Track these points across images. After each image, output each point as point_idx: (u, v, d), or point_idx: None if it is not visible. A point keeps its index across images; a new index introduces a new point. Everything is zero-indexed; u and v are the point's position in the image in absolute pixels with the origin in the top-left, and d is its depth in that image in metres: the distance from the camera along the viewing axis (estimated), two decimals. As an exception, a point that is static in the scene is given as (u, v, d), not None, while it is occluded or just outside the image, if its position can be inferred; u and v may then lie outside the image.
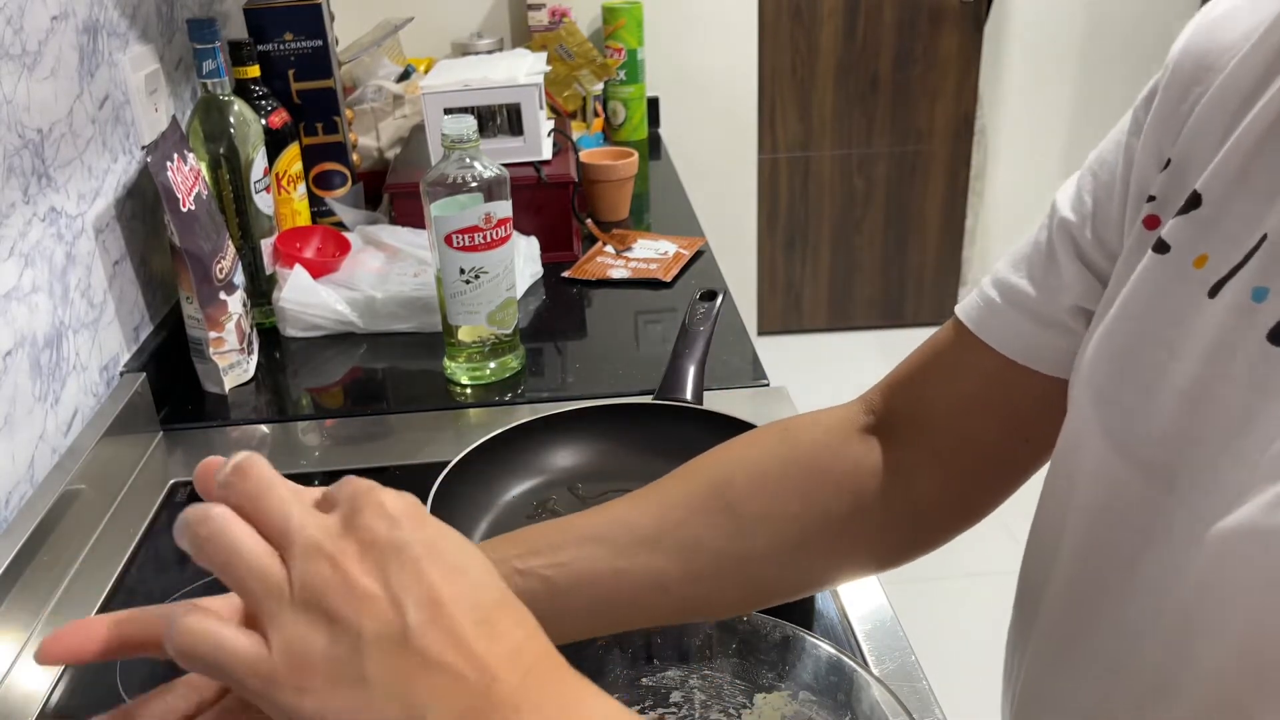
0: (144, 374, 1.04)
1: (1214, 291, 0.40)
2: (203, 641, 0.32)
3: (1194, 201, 0.42)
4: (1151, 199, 0.45)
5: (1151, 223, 0.44)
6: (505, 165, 1.06)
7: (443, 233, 1.01)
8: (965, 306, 0.54)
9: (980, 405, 0.53)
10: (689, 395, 0.96)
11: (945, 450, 0.55)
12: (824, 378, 3.11)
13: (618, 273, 1.35)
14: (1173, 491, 0.41)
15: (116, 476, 0.96)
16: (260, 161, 1.17)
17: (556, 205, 1.38)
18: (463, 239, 1.01)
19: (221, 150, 1.14)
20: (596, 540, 0.53)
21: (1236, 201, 0.40)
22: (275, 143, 1.26)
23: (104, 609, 0.81)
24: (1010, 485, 0.56)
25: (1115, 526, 0.44)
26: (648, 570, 0.53)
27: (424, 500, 0.78)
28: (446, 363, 1.11)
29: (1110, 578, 0.45)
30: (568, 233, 1.39)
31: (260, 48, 1.32)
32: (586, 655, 0.58)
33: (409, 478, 0.94)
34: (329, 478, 0.97)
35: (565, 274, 1.35)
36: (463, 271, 1.03)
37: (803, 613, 0.76)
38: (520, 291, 1.22)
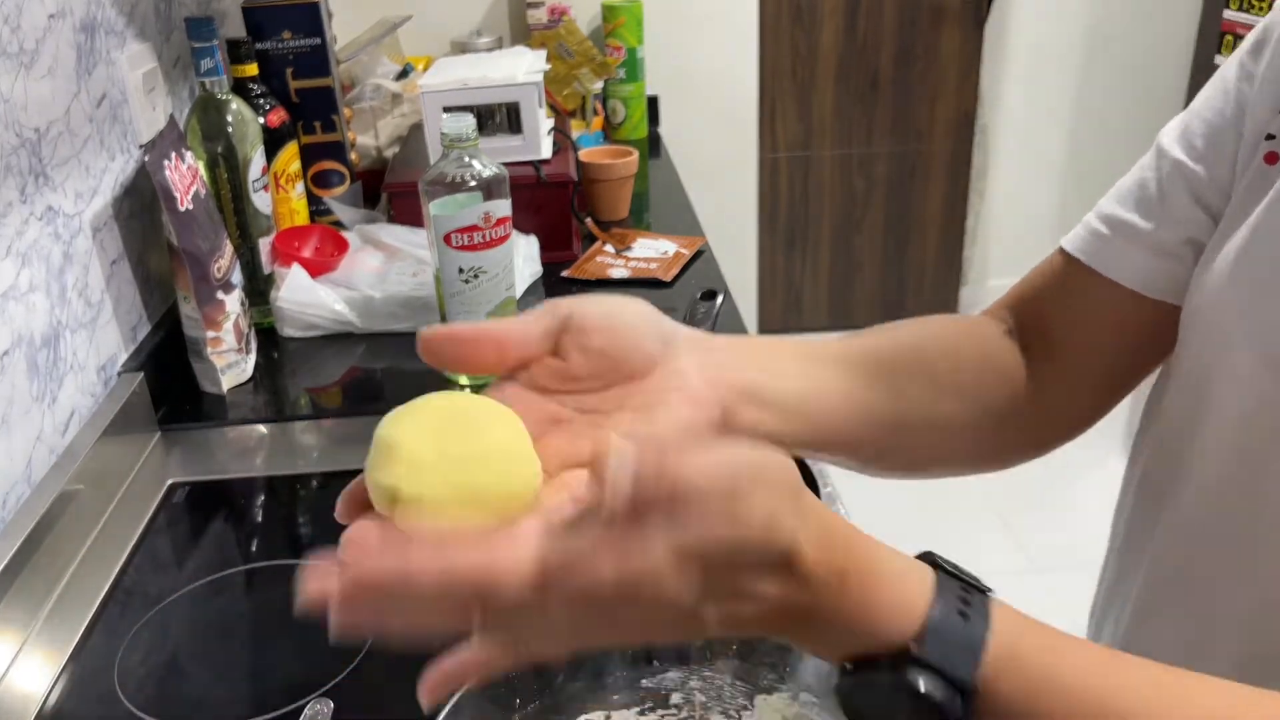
0: (141, 374, 1.04)
1: None
2: None
3: None
4: (1271, 137, 0.51)
5: (1272, 158, 0.51)
6: (504, 164, 1.05)
7: (441, 232, 1.01)
8: (1074, 240, 0.59)
9: (1096, 327, 0.59)
10: (689, 395, 0.96)
11: (1067, 365, 0.59)
12: (824, 377, 3.11)
13: (617, 272, 1.34)
14: None
15: (114, 477, 0.96)
16: (258, 160, 1.16)
17: (556, 204, 1.38)
18: (462, 238, 1.01)
19: (219, 149, 1.13)
20: (823, 361, 0.54)
21: None
22: (273, 141, 1.25)
23: (102, 609, 0.81)
24: (1119, 397, 0.61)
25: (1261, 433, 0.49)
26: (863, 395, 0.55)
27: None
28: (445, 362, 1.11)
29: (1254, 481, 0.50)
30: (567, 232, 1.39)
31: (258, 46, 1.32)
32: (586, 656, 0.57)
33: (408, 478, 0.94)
34: (327, 478, 0.97)
35: (565, 273, 1.35)
36: (462, 271, 1.02)
37: (803, 613, 0.76)
38: (520, 291, 1.22)
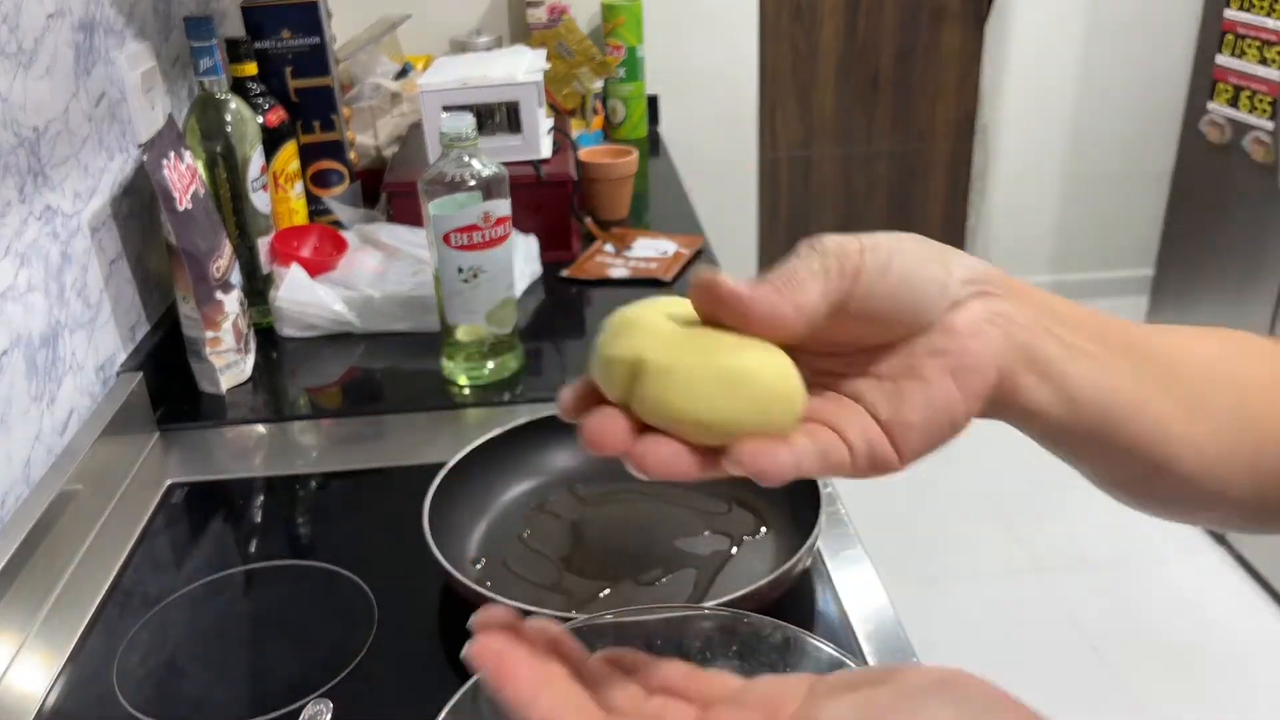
0: (140, 374, 1.04)
1: None
2: None
3: None
4: None
5: None
6: (504, 163, 1.05)
7: (441, 231, 1.01)
8: None
9: None
10: (689, 395, 0.96)
11: None
12: (824, 377, 3.11)
13: (617, 272, 1.34)
14: None
15: (113, 477, 0.96)
16: (257, 160, 1.16)
17: (556, 204, 1.37)
18: (461, 238, 1.00)
19: (218, 148, 1.13)
20: (1160, 365, 0.43)
21: None
22: (272, 141, 1.25)
23: (101, 611, 0.81)
24: None
25: None
26: (1196, 429, 0.43)
27: (422, 501, 0.77)
28: (445, 362, 1.11)
29: None
30: (567, 232, 1.39)
31: (257, 45, 1.31)
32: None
33: (407, 479, 0.94)
34: (327, 479, 0.97)
35: (564, 273, 1.35)
36: (461, 270, 1.02)
37: (804, 614, 0.75)
38: (519, 291, 1.21)
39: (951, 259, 0.40)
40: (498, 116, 1.41)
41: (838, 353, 0.39)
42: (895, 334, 0.38)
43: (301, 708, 0.69)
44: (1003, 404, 0.39)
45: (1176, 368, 0.43)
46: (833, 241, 0.37)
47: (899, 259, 0.37)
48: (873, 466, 0.37)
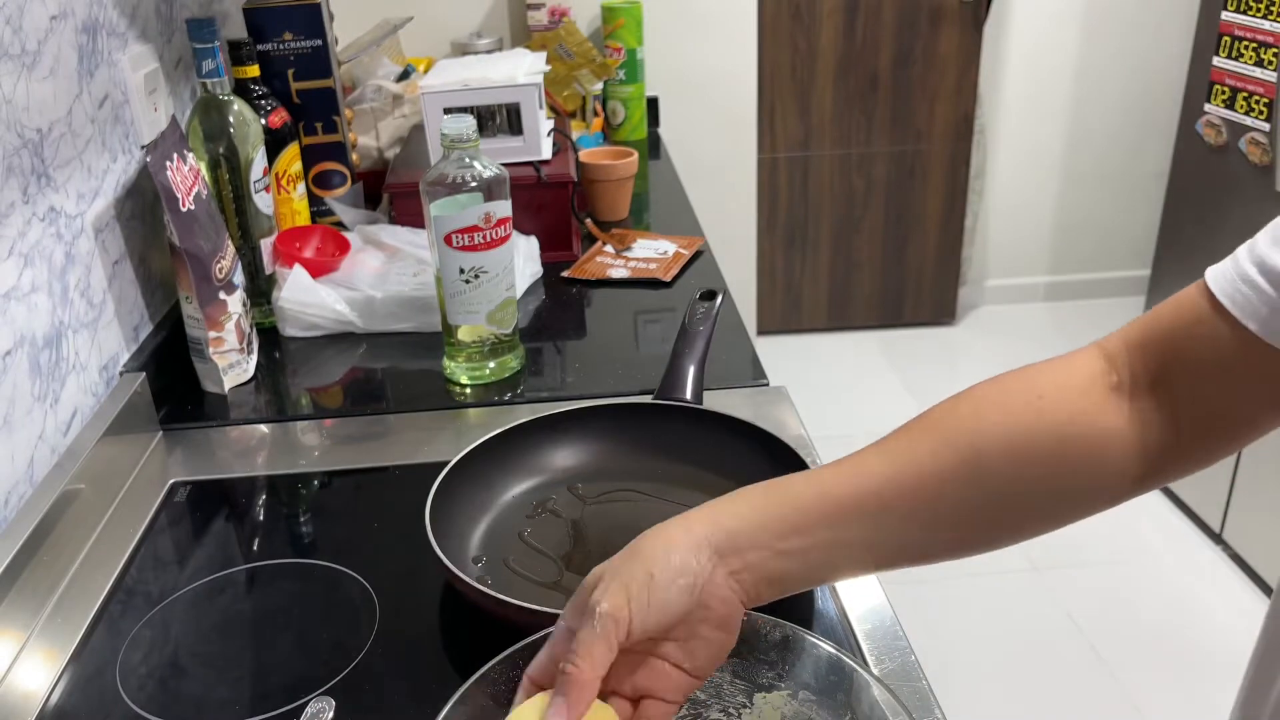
0: (143, 374, 1.04)
1: None
2: None
3: None
4: None
5: None
6: (505, 165, 1.06)
7: (442, 232, 1.01)
8: (1222, 283, 0.51)
9: (1231, 379, 0.52)
10: (689, 395, 0.97)
11: (1188, 414, 0.54)
12: (823, 377, 3.11)
13: (617, 272, 1.35)
14: None
15: (116, 476, 0.96)
16: (260, 161, 1.17)
17: (556, 205, 1.38)
18: (462, 239, 1.01)
19: (221, 150, 1.14)
20: (853, 517, 0.54)
21: None
22: (275, 142, 1.26)
23: (104, 609, 0.81)
24: (1245, 442, 0.55)
25: None
26: (897, 541, 0.55)
27: (424, 500, 0.78)
28: (446, 362, 1.11)
29: None
30: (567, 232, 1.39)
31: (260, 47, 1.32)
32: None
33: (409, 478, 0.95)
34: (329, 478, 0.97)
35: (565, 274, 1.35)
36: (462, 271, 1.03)
37: (802, 612, 0.76)
38: (520, 291, 1.22)
39: (691, 542, 0.52)
40: (499, 118, 1.41)
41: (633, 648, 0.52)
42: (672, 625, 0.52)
43: (304, 705, 0.69)
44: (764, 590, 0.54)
45: (918, 508, 0.54)
46: (611, 597, 0.50)
47: (660, 592, 0.50)
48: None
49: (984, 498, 0.54)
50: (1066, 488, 0.55)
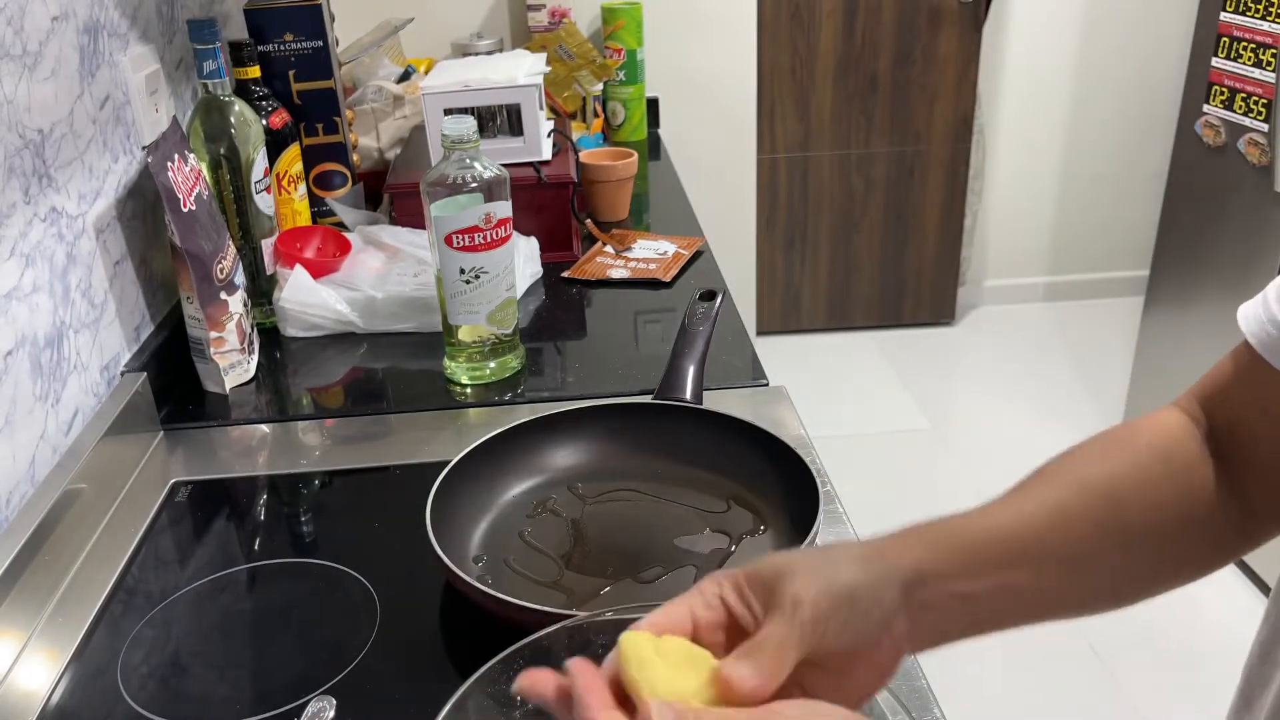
0: (144, 374, 1.04)
1: None
2: None
3: None
4: None
5: None
6: (505, 165, 1.06)
7: (443, 233, 1.01)
8: (1258, 333, 0.53)
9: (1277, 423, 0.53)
10: (688, 395, 0.97)
11: (1269, 466, 0.55)
12: (823, 378, 3.12)
13: (617, 273, 1.35)
14: None
15: (117, 476, 0.96)
16: (260, 162, 1.17)
17: (556, 205, 1.38)
18: (463, 239, 1.01)
19: (222, 150, 1.14)
20: (1018, 560, 0.52)
21: None
22: (276, 143, 1.26)
23: (105, 609, 0.81)
24: None
25: None
26: (1055, 587, 0.54)
27: (424, 499, 0.78)
28: (446, 362, 1.11)
29: None
30: (567, 233, 1.40)
31: (260, 48, 1.32)
32: (587, 654, 0.58)
33: (409, 478, 0.95)
34: (329, 477, 0.98)
35: (565, 274, 1.35)
36: (463, 271, 1.03)
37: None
38: (520, 291, 1.22)
39: (885, 571, 0.48)
40: (499, 119, 1.41)
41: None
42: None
43: (304, 705, 0.69)
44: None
45: (1058, 553, 0.53)
46: (815, 601, 0.45)
47: (859, 618, 0.47)
48: None
49: (1125, 548, 0.54)
50: (1189, 544, 0.55)
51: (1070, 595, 0.54)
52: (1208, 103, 2.16)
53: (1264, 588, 2.14)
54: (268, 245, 1.21)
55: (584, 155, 1.56)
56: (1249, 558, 2.18)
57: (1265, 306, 0.52)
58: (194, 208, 1.04)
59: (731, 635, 0.47)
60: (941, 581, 0.50)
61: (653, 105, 2.13)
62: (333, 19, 1.41)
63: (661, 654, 0.44)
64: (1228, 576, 2.19)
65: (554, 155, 1.43)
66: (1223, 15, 2.08)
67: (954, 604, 0.50)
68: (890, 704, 0.53)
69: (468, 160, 1.00)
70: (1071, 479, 0.55)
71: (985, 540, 0.52)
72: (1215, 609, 2.12)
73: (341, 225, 1.38)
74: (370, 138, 1.60)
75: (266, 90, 1.28)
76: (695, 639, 0.46)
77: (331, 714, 0.69)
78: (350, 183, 1.45)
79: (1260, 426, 0.54)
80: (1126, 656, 2.03)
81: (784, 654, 0.44)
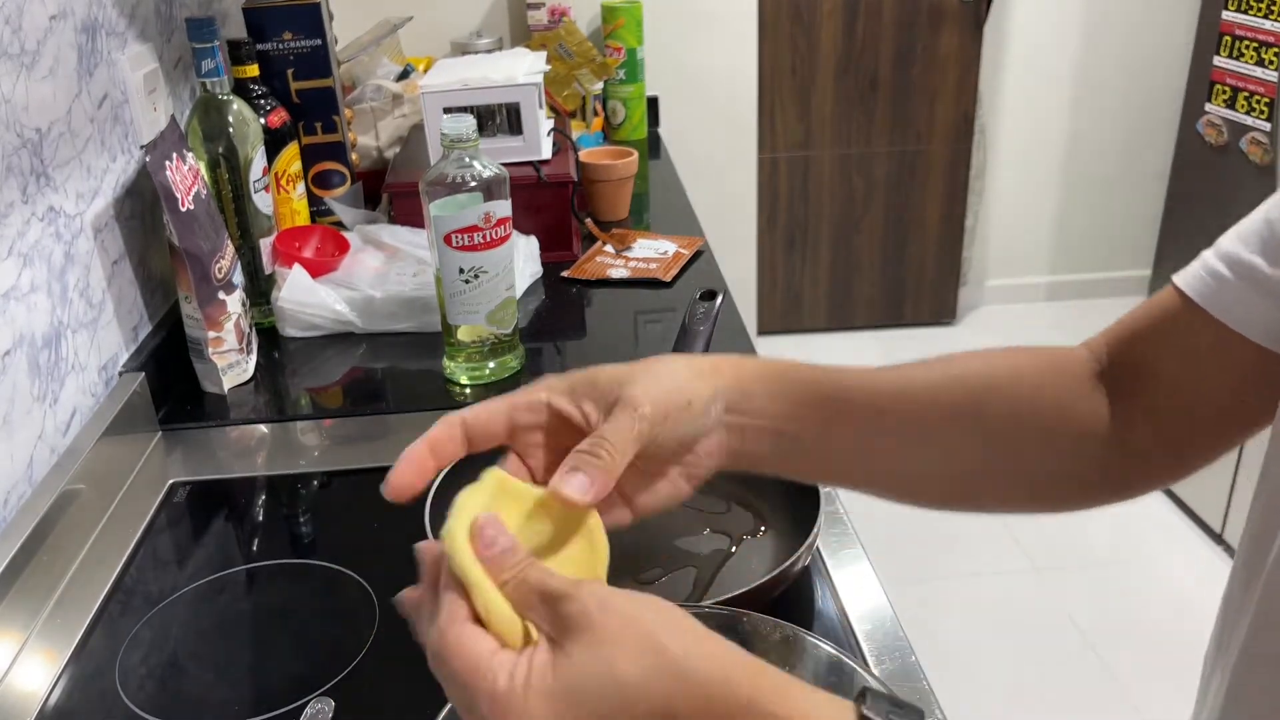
0: (143, 374, 1.04)
1: None
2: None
3: None
4: None
5: None
6: (505, 164, 1.06)
7: (442, 232, 1.01)
8: (1190, 280, 0.54)
9: (1205, 375, 0.54)
10: (689, 395, 0.96)
11: (1165, 410, 0.56)
12: (824, 377, 3.11)
13: (617, 272, 1.35)
14: None
15: (115, 476, 0.96)
16: (259, 161, 1.17)
17: (556, 205, 1.38)
18: (462, 238, 1.01)
19: (220, 149, 1.14)
20: (857, 419, 0.54)
21: None
22: (274, 142, 1.26)
23: (103, 609, 0.81)
24: (1222, 449, 0.57)
25: None
26: (885, 460, 0.56)
27: (424, 500, 0.78)
28: (446, 362, 1.11)
29: None
30: (567, 232, 1.39)
31: (259, 47, 1.32)
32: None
33: (408, 477, 0.94)
34: (329, 478, 0.97)
35: (565, 274, 1.35)
36: (462, 271, 1.03)
37: (803, 613, 0.76)
38: (520, 291, 1.22)
39: (714, 388, 0.52)
40: (498, 118, 1.41)
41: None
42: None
43: (303, 706, 0.69)
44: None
45: (916, 416, 0.55)
46: (655, 401, 0.49)
47: (688, 422, 0.50)
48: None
49: (980, 447, 0.55)
50: (1054, 464, 0.56)
51: (897, 468, 0.56)
52: (1210, 102, 2.15)
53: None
54: (266, 245, 1.20)
55: (584, 154, 1.56)
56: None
57: (1202, 262, 0.54)
58: (192, 207, 1.03)
59: (551, 439, 0.51)
60: (767, 413, 0.53)
61: (653, 104, 2.13)
62: (331, 17, 1.41)
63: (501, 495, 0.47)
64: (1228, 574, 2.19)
65: (554, 154, 1.42)
66: (1225, 14, 2.08)
67: (772, 438, 0.53)
68: (892, 706, 0.52)
69: (467, 159, 1.00)
70: (945, 368, 0.57)
71: (824, 389, 0.54)
72: (1215, 607, 2.12)
73: (340, 224, 1.38)
74: (369, 137, 1.59)
75: (265, 89, 1.28)
76: (511, 438, 0.51)
77: (330, 715, 0.69)
78: (349, 182, 1.44)
79: (1173, 368, 0.55)
80: (1127, 656, 2.02)
81: (623, 448, 0.47)
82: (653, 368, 0.51)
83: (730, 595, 0.68)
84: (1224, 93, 2.11)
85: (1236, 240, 0.53)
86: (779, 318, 3.29)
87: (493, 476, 0.48)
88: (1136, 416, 0.56)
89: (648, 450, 0.49)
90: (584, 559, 0.46)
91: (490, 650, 0.41)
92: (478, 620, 0.42)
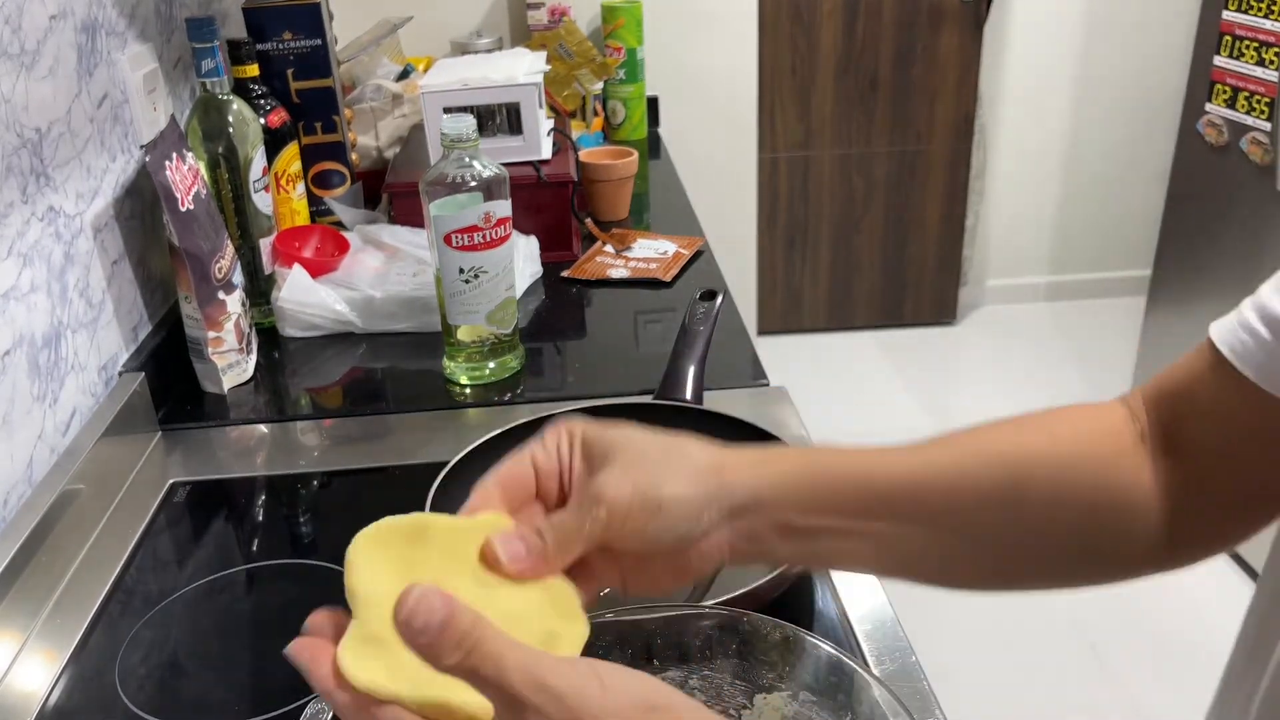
0: (142, 374, 1.04)
1: None
2: None
3: None
4: None
5: None
6: (505, 164, 1.06)
7: (442, 232, 1.01)
8: (1226, 336, 0.50)
9: (1239, 435, 0.50)
10: (689, 395, 0.96)
11: (1208, 481, 0.52)
12: (824, 378, 3.11)
13: (617, 272, 1.35)
14: None
15: (115, 476, 0.96)
16: (259, 161, 1.17)
17: (556, 205, 1.38)
18: (462, 238, 1.01)
19: (220, 149, 1.14)
20: (882, 511, 0.51)
21: None
22: (274, 142, 1.26)
23: (103, 609, 0.81)
24: (1264, 522, 0.53)
25: None
26: (916, 549, 0.51)
27: (424, 500, 0.78)
28: (446, 362, 1.11)
29: None
30: (567, 232, 1.39)
31: (259, 47, 1.32)
32: (586, 654, 0.57)
33: (408, 478, 0.94)
34: (328, 478, 0.97)
35: (565, 274, 1.35)
36: (462, 271, 1.03)
37: (803, 613, 0.76)
38: (520, 291, 1.22)
39: (711, 492, 0.48)
40: (498, 118, 1.41)
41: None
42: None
43: (303, 706, 0.69)
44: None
45: (905, 506, 0.51)
46: (613, 503, 0.46)
47: (661, 530, 0.47)
48: None
49: (1017, 528, 0.51)
50: (1096, 540, 0.53)
51: (929, 557, 0.52)
52: (1210, 101, 2.15)
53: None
54: (266, 245, 1.20)
55: (584, 154, 1.56)
56: (1250, 557, 2.18)
57: (1239, 315, 0.50)
58: (192, 207, 1.03)
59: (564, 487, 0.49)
60: (778, 512, 0.49)
61: (653, 104, 2.12)
62: (331, 17, 1.41)
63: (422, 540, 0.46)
64: (1230, 577, 2.19)
65: (554, 154, 1.42)
66: (1225, 14, 2.08)
67: (785, 536, 0.50)
68: (891, 705, 0.52)
69: (467, 159, 1.00)
70: (977, 445, 0.53)
71: (850, 482, 0.50)
72: (1217, 610, 2.12)
73: (340, 224, 1.38)
74: (369, 136, 1.59)
75: (265, 89, 1.28)
76: (540, 491, 0.49)
77: (330, 716, 0.68)
78: (349, 182, 1.44)
79: (1214, 436, 0.51)
80: (1128, 657, 2.02)
81: (566, 546, 0.45)
82: (649, 454, 0.48)
83: (730, 595, 0.68)
84: (1224, 92, 2.11)
85: (1274, 291, 0.48)
86: (779, 318, 3.29)
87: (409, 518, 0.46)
88: (1178, 487, 0.52)
89: (619, 546, 0.47)
90: (537, 613, 0.44)
91: None
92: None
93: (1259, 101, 2.01)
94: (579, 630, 0.45)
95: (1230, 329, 0.49)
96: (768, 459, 0.50)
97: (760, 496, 0.49)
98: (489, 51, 1.98)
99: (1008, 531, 0.51)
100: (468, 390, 1.09)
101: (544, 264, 1.35)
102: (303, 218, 1.33)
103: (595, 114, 1.95)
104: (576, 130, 1.84)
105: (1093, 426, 0.54)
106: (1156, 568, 0.54)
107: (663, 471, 0.47)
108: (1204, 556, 0.54)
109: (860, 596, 0.77)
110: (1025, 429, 0.54)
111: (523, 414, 0.91)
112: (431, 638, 0.37)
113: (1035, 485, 0.51)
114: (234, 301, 1.08)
